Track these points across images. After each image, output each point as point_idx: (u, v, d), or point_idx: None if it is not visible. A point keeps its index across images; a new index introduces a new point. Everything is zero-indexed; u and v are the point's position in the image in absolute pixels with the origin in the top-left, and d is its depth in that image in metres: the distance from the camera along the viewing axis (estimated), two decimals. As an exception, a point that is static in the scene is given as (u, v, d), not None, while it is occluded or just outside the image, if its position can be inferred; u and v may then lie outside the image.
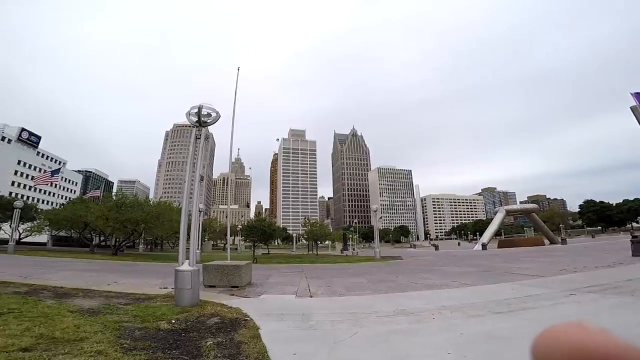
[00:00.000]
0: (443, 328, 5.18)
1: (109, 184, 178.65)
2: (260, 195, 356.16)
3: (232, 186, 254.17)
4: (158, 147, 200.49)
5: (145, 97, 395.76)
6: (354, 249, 51.21)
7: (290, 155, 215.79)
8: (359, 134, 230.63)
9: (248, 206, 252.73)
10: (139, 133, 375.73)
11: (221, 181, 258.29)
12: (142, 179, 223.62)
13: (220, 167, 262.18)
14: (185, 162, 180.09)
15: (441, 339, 4.66)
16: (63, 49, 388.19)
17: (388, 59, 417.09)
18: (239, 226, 51.19)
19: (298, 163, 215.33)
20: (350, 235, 67.18)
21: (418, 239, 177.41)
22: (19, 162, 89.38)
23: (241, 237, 57.56)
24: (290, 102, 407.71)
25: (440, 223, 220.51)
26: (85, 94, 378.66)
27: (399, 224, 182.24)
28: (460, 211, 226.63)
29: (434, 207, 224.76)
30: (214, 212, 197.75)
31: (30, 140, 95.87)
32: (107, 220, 29.98)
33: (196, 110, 7.72)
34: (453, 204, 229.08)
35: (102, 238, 37.25)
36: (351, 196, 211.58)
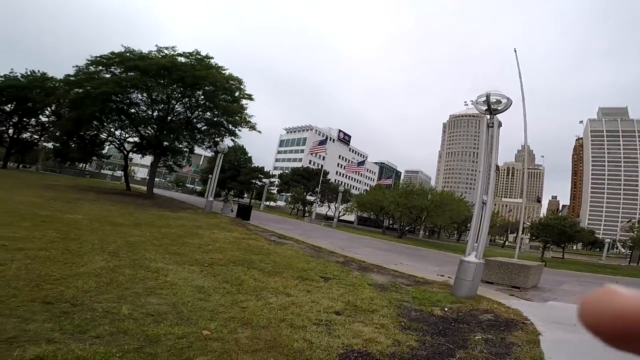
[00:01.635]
0: None
1: (397, 174, 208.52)
2: (554, 189, 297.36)
3: (520, 177, 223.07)
4: (437, 138, 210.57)
5: (425, 92, 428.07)
6: None
7: (605, 139, 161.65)
8: None
9: (539, 201, 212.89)
10: (420, 127, 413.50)
11: (505, 171, 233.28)
12: (424, 169, 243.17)
13: (504, 155, 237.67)
14: (464, 152, 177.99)
15: None
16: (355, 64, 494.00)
17: None
18: (527, 223, 44.18)
19: (619, 149, 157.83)
20: None
21: None
22: (339, 157, 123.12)
23: (527, 234, 50.25)
24: (594, 77, 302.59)
25: None
26: (377, 98, 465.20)
27: None
28: None
29: None
30: (495, 204, 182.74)
31: (345, 139, 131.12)
32: (397, 205, 35.19)
33: (484, 98, 7.44)
34: None
35: (390, 221, 44.12)
36: None
